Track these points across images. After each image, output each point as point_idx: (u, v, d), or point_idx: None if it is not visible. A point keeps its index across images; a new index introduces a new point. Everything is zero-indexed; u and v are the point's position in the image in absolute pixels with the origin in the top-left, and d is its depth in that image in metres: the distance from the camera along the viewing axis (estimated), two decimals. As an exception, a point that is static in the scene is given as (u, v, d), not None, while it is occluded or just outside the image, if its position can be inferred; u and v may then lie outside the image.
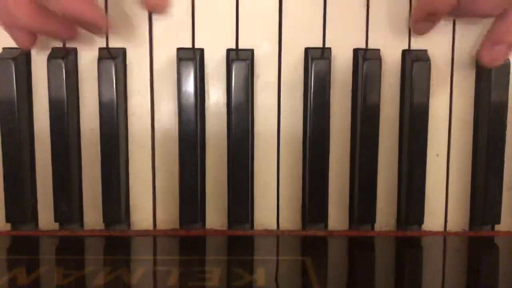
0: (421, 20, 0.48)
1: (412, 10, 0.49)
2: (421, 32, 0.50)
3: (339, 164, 0.52)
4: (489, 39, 0.48)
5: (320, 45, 0.51)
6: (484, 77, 0.51)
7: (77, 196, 0.51)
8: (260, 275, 0.41)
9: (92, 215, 0.52)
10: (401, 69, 0.51)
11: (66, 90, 0.49)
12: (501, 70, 0.50)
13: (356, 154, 0.50)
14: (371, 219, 0.51)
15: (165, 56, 0.51)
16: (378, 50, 0.51)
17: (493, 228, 0.53)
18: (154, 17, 0.50)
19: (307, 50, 0.51)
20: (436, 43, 0.51)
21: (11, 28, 0.47)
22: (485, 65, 0.49)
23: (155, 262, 0.45)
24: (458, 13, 0.48)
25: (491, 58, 0.49)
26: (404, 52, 0.51)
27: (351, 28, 0.51)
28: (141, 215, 0.52)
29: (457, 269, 0.46)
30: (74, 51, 0.50)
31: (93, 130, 0.51)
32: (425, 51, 0.51)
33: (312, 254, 0.47)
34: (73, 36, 0.49)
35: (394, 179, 0.52)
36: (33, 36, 0.48)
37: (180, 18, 0.50)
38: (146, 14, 0.50)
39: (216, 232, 0.52)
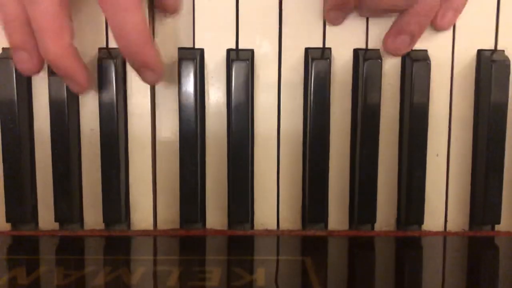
0: (332, 9, 0.49)
1: None
2: (334, 21, 0.50)
3: (339, 164, 0.52)
4: (394, 28, 0.49)
5: (320, 45, 0.51)
6: (484, 77, 0.50)
7: (77, 196, 0.51)
8: (260, 275, 0.41)
9: (92, 215, 0.52)
10: (401, 69, 0.51)
11: (66, 90, 0.49)
12: (501, 70, 0.50)
13: (356, 154, 0.50)
14: (371, 219, 0.51)
15: (165, 56, 0.51)
16: (378, 50, 0.51)
17: (493, 228, 0.53)
18: (154, 17, 0.50)
19: (307, 50, 0.51)
20: (436, 43, 0.51)
21: (23, 51, 0.44)
22: (390, 53, 0.50)
23: (155, 262, 0.45)
24: (364, 9, 0.49)
25: (394, 47, 0.50)
26: (404, 52, 0.51)
27: (351, 28, 0.51)
28: (141, 215, 0.52)
29: (457, 269, 0.46)
30: (74, 51, 0.50)
31: (93, 130, 0.51)
32: (425, 51, 0.51)
33: (312, 254, 0.47)
34: (85, 89, 0.47)
35: (394, 179, 0.52)
36: (42, 64, 0.46)
37: (180, 18, 0.50)
38: (146, 13, 0.50)
39: (216, 232, 0.52)
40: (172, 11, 0.50)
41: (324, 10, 0.50)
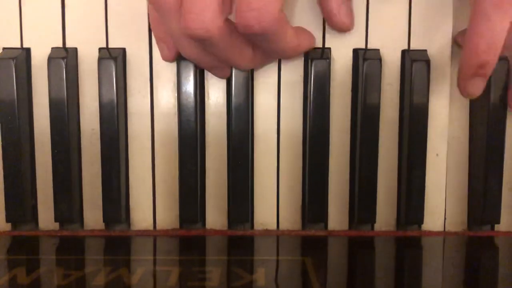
0: (470, 77, 0.45)
1: (458, 70, 0.46)
2: (474, 92, 0.46)
3: (339, 164, 0.52)
4: (461, 73, 0.46)
5: (320, 45, 0.51)
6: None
7: (77, 196, 0.51)
8: (260, 275, 0.41)
9: (92, 215, 0.52)
10: (400, 69, 0.51)
11: (66, 90, 0.49)
12: (500, 70, 0.50)
13: (356, 154, 0.51)
14: (371, 219, 0.51)
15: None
16: (378, 50, 0.51)
17: (492, 228, 0.53)
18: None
19: (307, 50, 0.51)
20: (436, 43, 0.51)
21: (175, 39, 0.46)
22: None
23: (155, 262, 0.45)
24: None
25: (468, 94, 0.46)
26: (403, 52, 0.51)
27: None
28: (141, 215, 0.52)
29: (457, 269, 0.46)
30: (74, 51, 0.50)
31: (93, 130, 0.51)
32: (425, 51, 0.51)
33: (312, 254, 0.47)
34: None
35: (394, 179, 0.52)
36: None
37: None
38: (146, 14, 0.50)
39: (216, 232, 0.52)
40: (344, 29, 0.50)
41: (460, 83, 0.46)
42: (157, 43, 0.50)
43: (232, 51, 0.45)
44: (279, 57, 0.50)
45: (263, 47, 0.45)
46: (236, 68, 0.49)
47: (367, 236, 0.51)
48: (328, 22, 0.50)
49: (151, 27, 0.49)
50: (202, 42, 0.43)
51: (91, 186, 0.51)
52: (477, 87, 0.46)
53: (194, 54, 0.47)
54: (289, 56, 0.49)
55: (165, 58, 0.50)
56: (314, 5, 0.50)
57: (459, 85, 0.46)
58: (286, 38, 0.45)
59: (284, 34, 0.44)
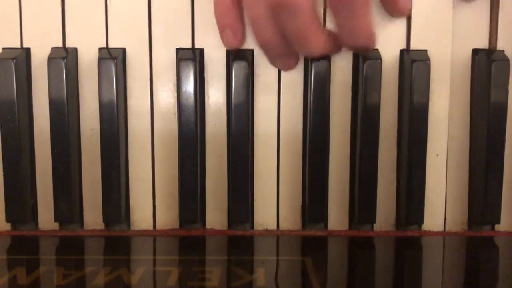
0: None
1: None
2: None
3: (339, 164, 0.52)
4: None
5: (320, 45, 0.51)
6: (484, 77, 0.51)
7: (77, 196, 0.51)
8: (260, 275, 0.41)
9: (92, 215, 0.52)
10: (400, 69, 0.51)
11: (66, 90, 0.49)
12: (500, 70, 0.50)
13: (356, 154, 0.51)
14: (371, 219, 0.51)
15: (165, 56, 0.51)
16: (378, 50, 0.51)
17: (492, 228, 0.53)
18: (154, 17, 0.50)
19: (307, 50, 0.51)
20: (436, 43, 0.51)
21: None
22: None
23: (155, 262, 0.45)
24: None
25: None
26: (403, 52, 0.51)
27: (351, 28, 0.51)
28: (141, 215, 0.52)
29: (456, 269, 0.46)
30: (74, 51, 0.50)
31: (93, 130, 0.51)
32: (425, 51, 0.51)
33: (312, 254, 0.47)
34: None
35: (394, 179, 0.52)
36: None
37: (180, 18, 0.50)
38: (146, 14, 0.50)
39: (216, 232, 0.52)
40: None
41: None
42: (222, 32, 0.49)
43: (312, 28, 0.46)
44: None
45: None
46: (308, 54, 0.49)
47: (367, 236, 0.51)
48: (390, 7, 0.50)
49: (217, 15, 0.49)
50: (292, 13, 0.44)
51: (91, 186, 0.51)
52: None
53: (269, 38, 0.47)
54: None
55: (230, 45, 0.49)
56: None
57: None
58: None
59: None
